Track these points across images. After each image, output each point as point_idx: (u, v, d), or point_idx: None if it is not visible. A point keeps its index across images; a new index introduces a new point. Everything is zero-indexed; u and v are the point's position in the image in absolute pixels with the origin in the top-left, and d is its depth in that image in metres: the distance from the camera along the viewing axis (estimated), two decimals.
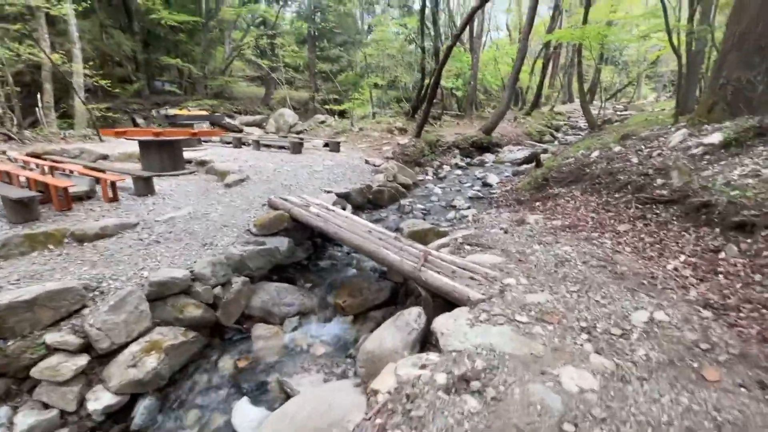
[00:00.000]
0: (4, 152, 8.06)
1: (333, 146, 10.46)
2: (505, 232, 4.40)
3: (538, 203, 5.72)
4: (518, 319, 2.31)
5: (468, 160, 12.19)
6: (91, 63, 12.51)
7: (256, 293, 3.78)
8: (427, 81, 14.75)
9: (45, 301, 2.74)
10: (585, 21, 12.09)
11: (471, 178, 9.62)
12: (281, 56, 17.58)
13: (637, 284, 2.75)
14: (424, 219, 6.19)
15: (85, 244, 3.79)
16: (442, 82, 17.23)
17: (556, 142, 16.35)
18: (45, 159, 8.12)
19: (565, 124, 21.59)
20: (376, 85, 20.23)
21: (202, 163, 8.15)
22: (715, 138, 4.31)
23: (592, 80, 27.05)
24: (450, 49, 9.32)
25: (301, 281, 4.32)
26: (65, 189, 4.56)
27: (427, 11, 12.89)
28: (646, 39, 15.21)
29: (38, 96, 10.19)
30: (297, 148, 9.56)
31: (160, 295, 3.12)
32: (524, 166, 10.63)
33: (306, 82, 25.78)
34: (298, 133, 14.50)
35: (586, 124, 17.85)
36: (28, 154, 8.18)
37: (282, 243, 4.27)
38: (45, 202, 4.65)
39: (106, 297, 2.94)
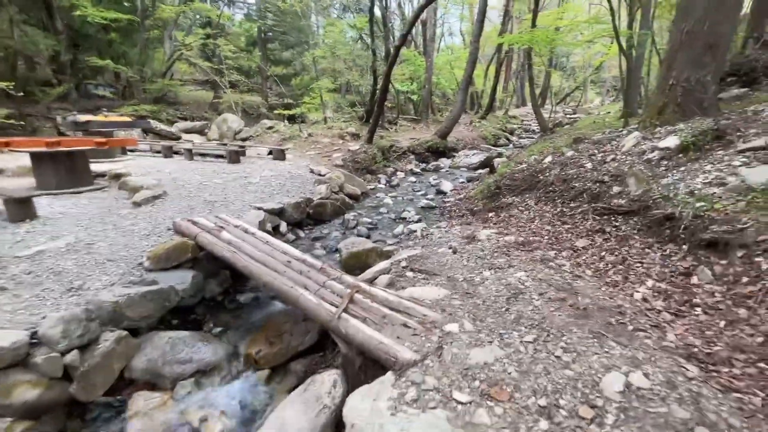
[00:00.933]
0: None
1: (277, 154, 9.61)
2: (454, 252, 3.84)
3: (491, 214, 5.24)
4: (456, 398, 1.68)
5: (423, 165, 11.76)
6: None
7: (141, 350, 2.93)
8: (380, 85, 14.28)
9: None
10: (534, 25, 12.07)
11: (425, 185, 9.13)
12: (224, 58, 16.35)
13: (604, 325, 2.23)
14: (369, 235, 5.53)
15: None
16: (397, 86, 16.85)
17: (510, 146, 16.40)
18: None
19: (519, 128, 21.93)
20: (329, 90, 19.56)
21: (117, 177, 7.03)
22: (671, 141, 3.99)
23: (543, 85, 27.93)
24: (398, 49, 8.80)
25: (210, 325, 3.50)
26: None
27: (378, 12, 12.36)
28: (592, 44, 15.66)
29: None
30: (234, 157, 8.62)
31: None
32: (479, 171, 10.33)
33: (259, 86, 24.59)
34: (243, 140, 13.44)
35: (539, 128, 18.15)
36: None
37: (184, 279, 3.44)
38: None
39: None
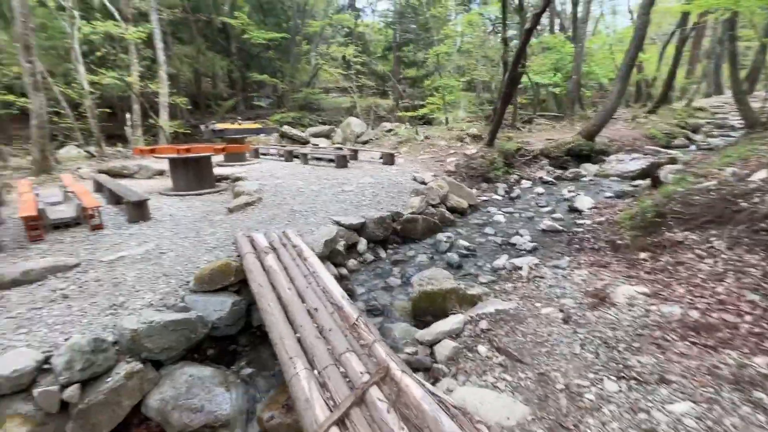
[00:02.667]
0: (79, 168, 8.67)
1: (386, 158, 9.15)
2: (565, 321, 2.50)
3: (643, 255, 3.50)
4: None
5: (559, 172, 9.68)
6: (183, 83, 13.58)
7: (159, 386, 2.62)
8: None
9: None
10: None
11: (555, 198, 7.31)
12: (353, 64, 16.95)
13: None
14: (461, 265, 4.40)
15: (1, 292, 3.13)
16: (534, 78, 14.63)
17: (692, 148, 12.39)
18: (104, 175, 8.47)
19: (707, 123, 16.65)
20: (461, 88, 18.41)
21: (235, 180, 7.61)
22: None
23: (752, 65, 20.68)
24: (529, 32, 7.20)
25: (242, 363, 3.05)
26: (32, 217, 4.10)
27: None
28: None
29: (127, 116, 11.17)
30: (342, 162, 8.49)
31: None
32: (637, 184, 7.83)
33: (391, 89, 25.17)
34: (363, 143, 13.59)
35: (742, 122, 13.30)
36: (101, 171, 8.70)
37: (223, 305, 3.07)
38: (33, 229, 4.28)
39: None
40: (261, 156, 10.89)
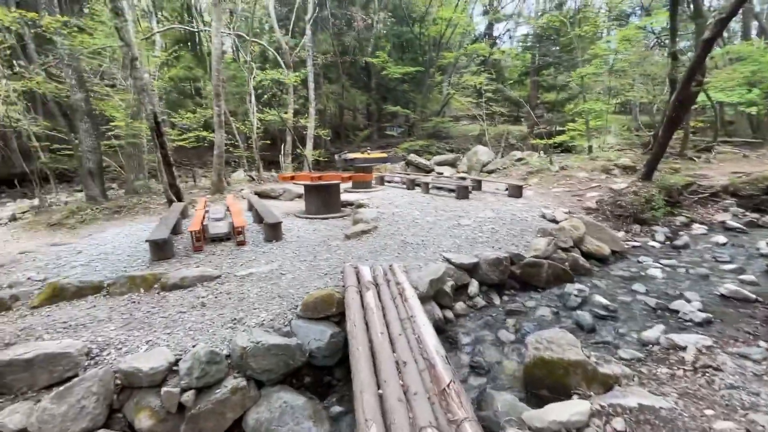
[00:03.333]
0: (242, 189, 10.52)
1: (512, 191, 8.48)
2: None
3: None
4: None
5: (753, 217, 7.39)
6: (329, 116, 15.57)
7: (257, 405, 2.76)
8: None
9: (42, 363, 2.65)
10: None
11: (744, 253, 5.52)
12: (484, 92, 16.55)
13: None
14: (594, 328, 3.56)
15: (163, 293, 3.85)
16: (717, 95, 11.74)
17: None
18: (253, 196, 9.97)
19: None
20: (611, 111, 16.13)
21: (359, 207, 8.06)
22: None
23: None
24: (708, 43, 5.71)
25: (334, 398, 2.99)
26: (197, 232, 5.02)
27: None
28: None
29: (282, 146, 13.23)
30: (463, 192, 8.18)
31: (128, 385, 2.59)
32: None
33: (526, 116, 23.87)
34: (489, 172, 12.98)
35: None
36: (255, 192, 10.39)
37: (323, 335, 3.11)
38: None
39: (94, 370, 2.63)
40: (386, 183, 11.39)
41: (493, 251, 4.72)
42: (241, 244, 5.34)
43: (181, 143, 11.49)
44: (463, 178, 10.18)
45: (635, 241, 6.35)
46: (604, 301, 4.02)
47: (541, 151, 12.55)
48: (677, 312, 3.74)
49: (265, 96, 13.76)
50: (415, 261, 4.46)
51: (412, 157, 14.32)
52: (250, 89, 12.06)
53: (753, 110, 11.94)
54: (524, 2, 26.23)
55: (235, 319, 3.26)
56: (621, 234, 6.49)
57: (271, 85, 14.18)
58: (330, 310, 3.26)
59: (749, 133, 13.99)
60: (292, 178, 7.51)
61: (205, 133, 11.45)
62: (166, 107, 16.27)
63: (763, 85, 11.99)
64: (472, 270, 4.43)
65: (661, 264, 5.17)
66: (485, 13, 25.28)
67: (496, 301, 4.33)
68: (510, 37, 28.01)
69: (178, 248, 5.26)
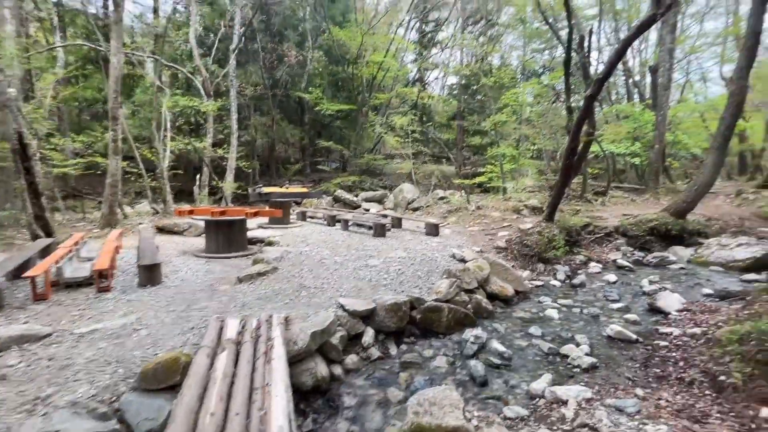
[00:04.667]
0: (140, 224, 9.32)
1: (430, 229, 8.48)
2: None
3: (766, 413, 2.23)
4: None
5: (639, 255, 8.09)
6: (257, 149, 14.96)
7: None
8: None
9: None
10: None
11: (631, 291, 5.87)
12: (410, 132, 17.21)
13: None
14: (486, 381, 3.33)
15: None
16: (608, 147, 13.32)
17: None
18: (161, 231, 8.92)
19: None
20: (529, 156, 17.64)
21: (269, 244, 7.46)
22: None
23: None
24: (590, 99, 6.39)
25: None
26: (40, 276, 4.08)
27: (576, 61, 10.16)
28: None
29: (197, 176, 12.23)
30: (380, 230, 7.99)
31: None
32: (750, 278, 6.07)
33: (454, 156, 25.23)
34: (415, 209, 13.14)
35: None
36: (157, 226, 9.25)
37: (157, 414, 2.45)
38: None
39: None
40: (308, 219, 10.91)
41: (394, 295, 4.43)
42: (104, 290, 4.47)
43: (64, 170, 10.01)
44: (385, 216, 10.08)
45: (539, 279, 6.53)
46: (501, 348, 3.86)
47: (463, 191, 13.06)
48: (567, 357, 3.68)
49: (182, 123, 12.83)
50: (307, 308, 4.00)
51: (340, 192, 14.09)
52: (164, 115, 11.12)
53: (636, 161, 13.72)
54: (451, 55, 28.54)
55: (38, 397, 2.48)
56: (526, 273, 6.65)
57: (192, 113, 13.33)
58: (174, 379, 2.63)
59: (636, 180, 16.03)
60: (191, 212, 6.75)
61: (100, 159, 10.14)
62: (71, 129, 14.47)
63: (644, 140, 13.93)
64: (368, 317, 4.06)
65: (558, 304, 5.27)
66: (415, 60, 27.00)
67: (393, 351, 3.97)
68: (442, 87, 30.12)
69: (18, 296, 4.24)
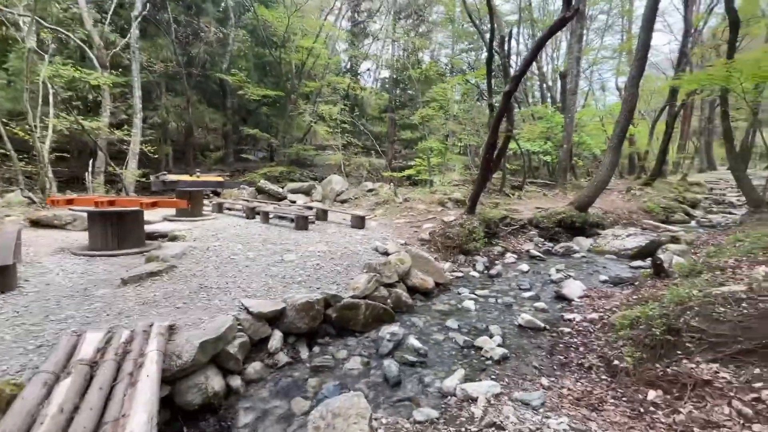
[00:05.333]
0: (7, 216, 7.69)
1: (355, 221, 8.22)
2: None
3: (653, 396, 2.34)
4: None
5: (549, 245, 8.68)
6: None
7: None
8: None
9: None
10: (731, 53, 8.31)
11: (541, 279, 6.22)
12: (339, 122, 16.78)
13: None
14: (400, 381, 3.17)
15: None
16: (525, 144, 14.27)
17: (693, 224, 11.58)
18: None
19: (705, 198, 16.09)
20: (457, 152, 18.26)
21: (173, 239, 6.59)
22: None
23: (741, 143, 20.79)
24: (507, 95, 6.63)
25: None
26: None
27: (497, 61, 10.58)
28: None
29: (90, 162, 10.50)
30: (301, 223, 7.52)
31: None
32: (637, 265, 6.80)
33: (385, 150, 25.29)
34: (343, 201, 12.82)
35: (742, 200, 12.63)
36: (31, 219, 7.71)
37: None
38: None
39: None
40: (225, 211, 9.99)
41: (308, 293, 4.08)
42: None
43: None
44: (310, 208, 9.60)
45: (460, 271, 6.64)
46: (417, 344, 3.74)
47: (392, 183, 13.05)
48: (481, 349, 3.67)
49: (73, 99, 10.89)
50: (203, 313, 3.47)
51: (263, 183, 13.20)
52: (45, 87, 9.25)
53: (548, 158, 14.91)
54: (383, 48, 28.46)
55: None
56: (448, 265, 6.73)
57: (86, 87, 11.36)
58: None
59: (548, 177, 17.48)
60: (70, 202, 5.64)
61: None
62: None
63: (554, 139, 15.17)
64: (276, 319, 3.67)
65: (476, 295, 5.36)
66: (346, 50, 26.45)
67: (304, 354, 3.63)
68: (375, 80, 29.90)
69: None
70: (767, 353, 2.07)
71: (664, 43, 45.61)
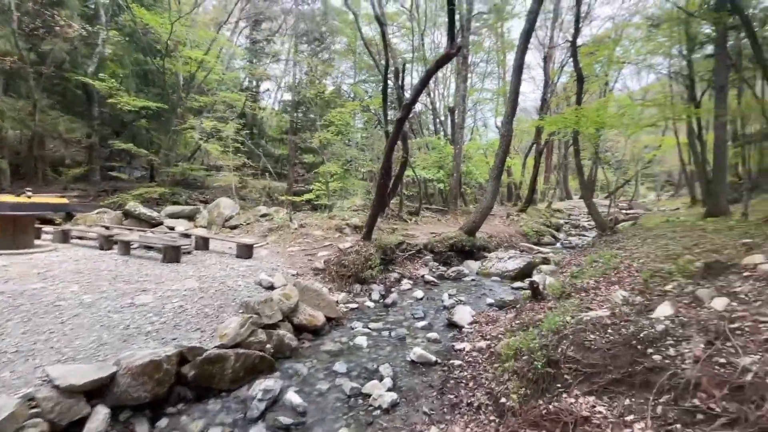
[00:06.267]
0: None
1: (241, 251, 7.32)
2: None
3: None
4: None
5: (443, 269, 8.90)
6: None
7: None
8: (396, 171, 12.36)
9: None
10: (579, 101, 9.97)
11: (434, 306, 6.19)
12: (231, 142, 15.51)
13: None
14: None
15: None
16: (420, 172, 14.97)
17: (558, 245, 13.32)
18: None
19: (566, 223, 18.87)
20: (339, 174, 18.31)
21: None
22: None
23: (588, 176, 25.36)
24: (400, 122, 6.74)
25: None
26: None
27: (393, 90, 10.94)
28: (640, 135, 13.20)
29: None
30: (172, 254, 6.35)
31: None
32: (518, 286, 7.30)
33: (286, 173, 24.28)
34: (233, 227, 11.57)
35: (592, 224, 15.05)
36: None
37: None
38: None
39: None
40: (74, 241, 8.06)
41: (157, 347, 3.22)
42: None
43: None
44: (187, 235, 8.33)
45: (355, 302, 6.27)
46: (296, 400, 3.17)
47: (288, 207, 12.29)
48: (369, 396, 3.28)
49: None
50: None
51: (132, 205, 11.19)
52: None
53: (441, 186, 15.88)
54: (285, 70, 27.79)
55: None
56: (342, 295, 6.31)
57: None
58: None
59: (441, 203, 18.63)
60: None
61: None
62: None
63: (446, 168, 16.28)
64: (99, 391, 2.75)
65: (369, 329, 5.02)
66: (243, 68, 25.17)
67: (142, 430, 2.77)
68: (277, 101, 28.77)
69: None
70: (634, 382, 2.11)
71: (531, 91, 54.43)
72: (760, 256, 2.72)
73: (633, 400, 2.06)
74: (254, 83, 27.07)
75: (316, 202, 14.13)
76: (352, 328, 5.04)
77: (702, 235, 7.35)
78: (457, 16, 14.49)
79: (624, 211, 20.31)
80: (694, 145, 13.30)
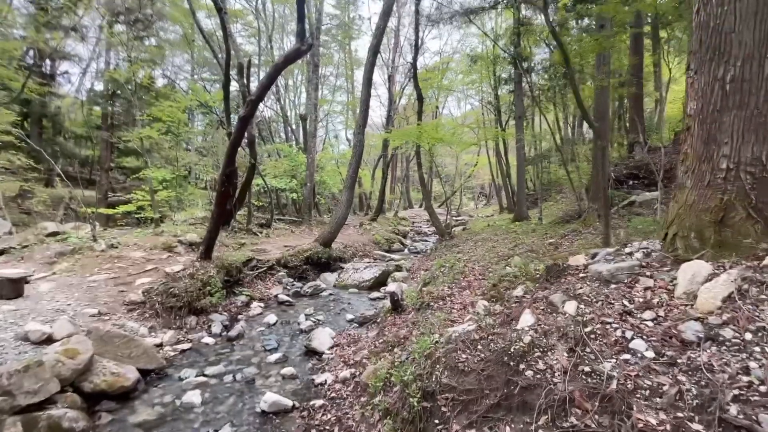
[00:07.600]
0: None
1: (7, 289, 5.01)
2: None
3: None
4: None
5: (299, 285, 8.17)
6: None
7: None
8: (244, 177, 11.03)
9: None
10: (420, 118, 10.86)
11: (290, 331, 5.46)
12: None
13: None
14: None
15: None
16: (271, 181, 13.85)
17: (406, 251, 14.23)
18: None
19: (411, 230, 20.56)
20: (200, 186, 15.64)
21: None
22: None
23: (425, 188, 28.55)
24: (244, 121, 5.80)
25: None
26: None
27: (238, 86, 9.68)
28: (464, 153, 15.61)
29: None
30: None
31: None
32: (376, 297, 7.19)
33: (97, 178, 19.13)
34: (1, 252, 8.15)
35: (433, 230, 16.68)
36: None
37: None
38: None
39: None
40: None
41: None
42: None
43: None
44: None
45: (187, 340, 4.99)
46: None
47: (93, 222, 9.43)
48: None
49: None
50: None
51: None
52: None
53: (294, 196, 15.09)
54: (96, 52, 22.07)
55: None
56: (170, 334, 4.95)
57: None
58: None
59: (295, 214, 17.79)
60: None
61: None
62: None
63: (299, 178, 15.60)
64: None
65: (206, 375, 3.95)
66: (25, 38, 18.91)
67: None
68: (86, 90, 22.32)
69: None
70: (511, 405, 1.96)
71: (377, 106, 58.72)
72: (581, 257, 3.10)
73: (513, 426, 1.90)
74: (45, 61, 20.63)
75: (138, 215, 11.38)
76: (182, 379, 3.87)
77: (517, 237, 8.79)
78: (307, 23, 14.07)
79: (454, 218, 23.49)
80: (501, 163, 16.36)
